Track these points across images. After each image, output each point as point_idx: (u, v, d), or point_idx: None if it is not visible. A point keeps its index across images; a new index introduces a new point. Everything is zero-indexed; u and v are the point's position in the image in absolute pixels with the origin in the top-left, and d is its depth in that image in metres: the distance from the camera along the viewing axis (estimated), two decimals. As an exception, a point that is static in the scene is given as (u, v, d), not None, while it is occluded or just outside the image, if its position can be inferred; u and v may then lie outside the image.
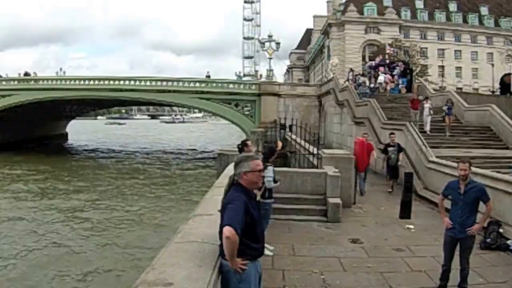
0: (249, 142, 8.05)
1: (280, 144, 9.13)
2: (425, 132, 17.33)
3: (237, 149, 8.16)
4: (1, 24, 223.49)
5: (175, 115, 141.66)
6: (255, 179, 3.43)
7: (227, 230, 3.05)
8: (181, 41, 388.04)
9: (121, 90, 37.57)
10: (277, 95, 34.96)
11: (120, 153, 44.46)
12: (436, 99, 24.39)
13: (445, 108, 19.16)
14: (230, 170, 8.98)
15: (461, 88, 49.03)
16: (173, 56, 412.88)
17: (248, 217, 3.25)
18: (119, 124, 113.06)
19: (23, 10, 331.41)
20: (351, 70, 33.84)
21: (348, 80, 29.70)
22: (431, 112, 18.62)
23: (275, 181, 6.95)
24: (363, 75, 30.81)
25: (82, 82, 38.49)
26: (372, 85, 27.17)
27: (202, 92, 36.34)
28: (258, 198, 6.82)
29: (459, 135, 18.21)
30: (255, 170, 3.43)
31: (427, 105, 18.77)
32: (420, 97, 24.16)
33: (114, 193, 22.48)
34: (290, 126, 22.91)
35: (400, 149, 12.98)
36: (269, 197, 6.93)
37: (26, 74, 41.50)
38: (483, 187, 5.66)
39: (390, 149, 12.94)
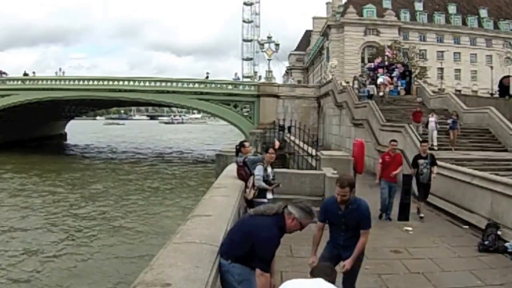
0: (246, 143, 8.03)
1: (277, 143, 9.13)
2: (432, 148, 15.21)
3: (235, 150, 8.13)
4: (1, 24, 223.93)
5: (174, 116, 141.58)
6: (291, 228, 3.47)
7: (263, 276, 3.28)
8: (181, 42, 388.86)
9: (120, 90, 37.53)
10: (276, 96, 34.91)
11: (118, 153, 44.45)
12: (435, 101, 24.49)
13: (449, 121, 17.31)
14: (229, 170, 9.00)
15: (460, 91, 49.07)
16: (173, 56, 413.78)
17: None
18: (118, 124, 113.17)
19: (23, 10, 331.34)
20: (355, 78, 33.47)
21: (353, 88, 29.24)
22: (437, 126, 17.14)
23: (266, 182, 6.82)
24: (368, 76, 30.54)
25: (81, 82, 38.49)
26: (374, 93, 26.69)
27: (201, 93, 36.33)
28: (250, 197, 6.80)
29: (458, 137, 18.23)
30: (301, 224, 3.47)
31: (432, 119, 17.11)
32: (419, 99, 24.27)
33: (111, 193, 22.45)
34: (289, 128, 22.92)
35: (433, 161, 10.04)
36: (263, 197, 6.78)
37: (25, 75, 41.46)
38: (367, 210, 4.50)
39: (421, 161, 9.93)
